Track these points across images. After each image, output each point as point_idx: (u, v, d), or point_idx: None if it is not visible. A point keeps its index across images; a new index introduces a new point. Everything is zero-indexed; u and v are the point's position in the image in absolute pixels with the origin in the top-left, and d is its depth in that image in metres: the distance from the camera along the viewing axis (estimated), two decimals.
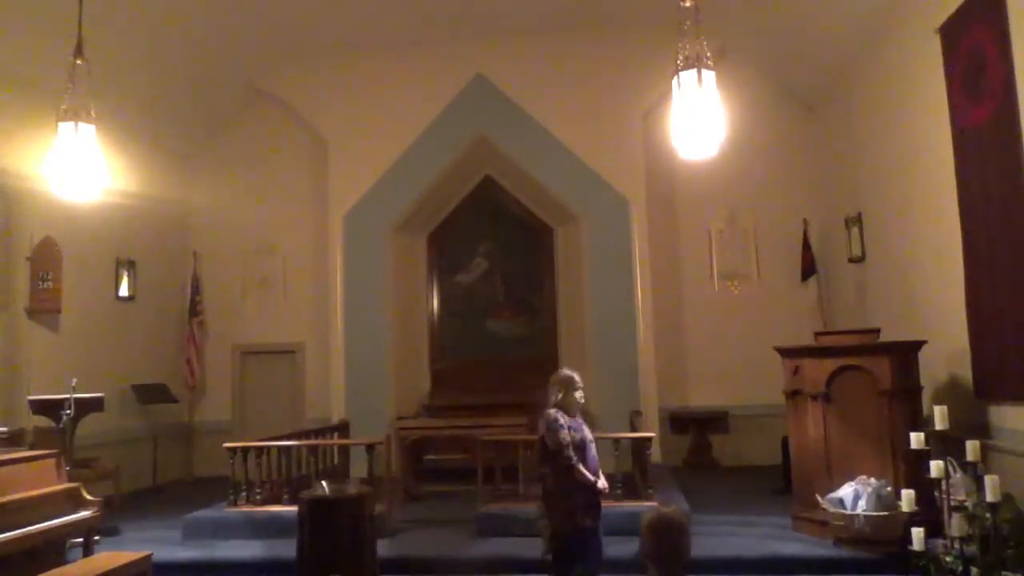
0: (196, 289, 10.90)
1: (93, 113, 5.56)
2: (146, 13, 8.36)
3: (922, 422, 5.83)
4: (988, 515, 4.58)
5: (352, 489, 5.46)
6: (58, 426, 6.80)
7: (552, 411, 4.67)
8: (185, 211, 11.16)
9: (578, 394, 4.77)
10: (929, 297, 7.00)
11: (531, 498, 6.74)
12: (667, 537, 2.88)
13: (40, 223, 8.29)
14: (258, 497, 7.07)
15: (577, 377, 4.81)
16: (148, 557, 5.27)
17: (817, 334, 7.01)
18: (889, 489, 5.58)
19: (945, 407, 5.16)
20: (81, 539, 5.45)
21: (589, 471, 4.54)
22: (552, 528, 4.52)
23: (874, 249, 8.46)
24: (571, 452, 4.49)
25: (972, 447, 4.89)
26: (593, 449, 4.73)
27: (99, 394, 7.48)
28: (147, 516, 7.85)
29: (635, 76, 9.83)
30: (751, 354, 9.27)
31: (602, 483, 4.60)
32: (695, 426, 9.97)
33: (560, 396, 4.72)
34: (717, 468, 9.72)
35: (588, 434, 4.75)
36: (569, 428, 4.60)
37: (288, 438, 7.87)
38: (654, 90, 9.59)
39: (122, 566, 5.00)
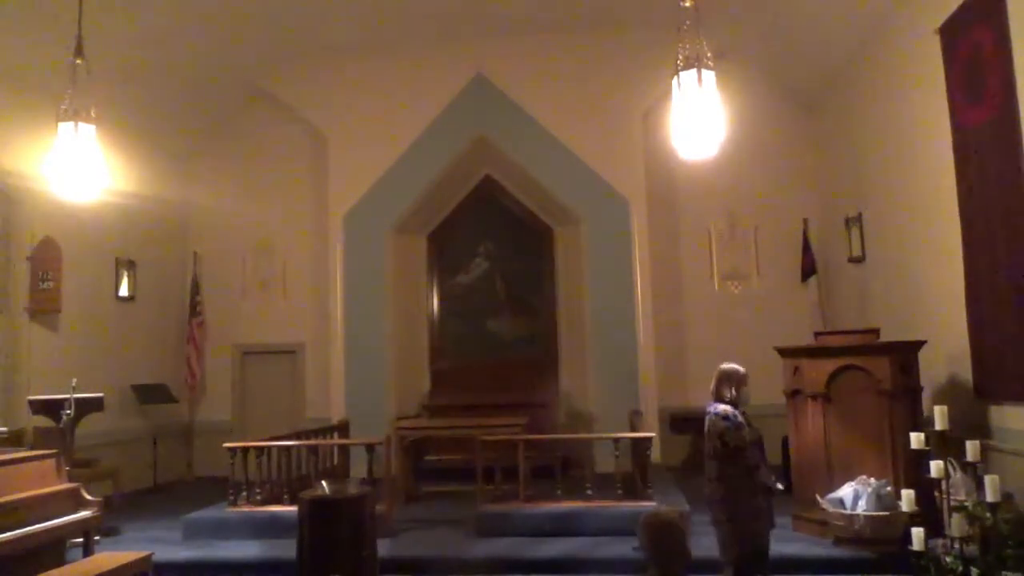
0: (196, 289, 10.91)
1: (93, 113, 5.56)
2: (146, 13, 8.36)
3: (922, 422, 5.83)
4: (988, 515, 4.58)
5: (352, 489, 5.46)
6: (58, 426, 6.80)
7: (727, 407, 4.48)
8: (185, 211, 11.16)
9: (746, 389, 4.59)
10: (929, 297, 7.00)
11: (532, 498, 6.79)
12: (662, 537, 2.88)
13: (40, 223, 8.29)
14: (258, 497, 7.07)
15: (744, 371, 4.63)
16: (148, 557, 5.28)
17: (817, 334, 7.01)
18: (889, 489, 5.58)
19: (945, 407, 5.16)
20: (81, 539, 5.45)
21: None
22: (738, 532, 4.31)
23: (874, 249, 8.46)
24: (755, 451, 4.34)
25: (972, 447, 4.89)
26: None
27: (99, 394, 7.48)
28: (147, 516, 7.85)
29: (635, 76, 9.82)
30: (751, 354, 9.20)
31: (780, 484, 4.45)
32: (695, 426, 9.91)
33: (734, 392, 4.55)
34: None
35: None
36: (749, 426, 4.44)
37: (288, 438, 7.87)
38: (654, 90, 9.59)
39: (122, 566, 5.00)
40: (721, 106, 4.79)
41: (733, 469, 4.36)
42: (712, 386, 4.66)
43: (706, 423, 4.54)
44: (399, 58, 10.32)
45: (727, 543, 4.36)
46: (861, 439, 5.98)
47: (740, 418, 4.42)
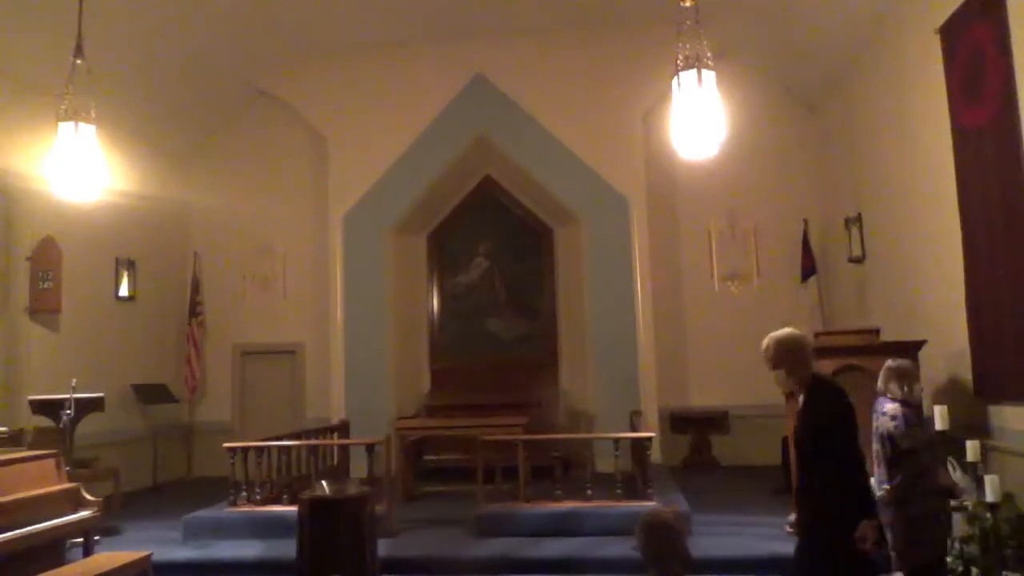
0: (196, 289, 10.91)
1: (93, 113, 5.56)
2: (146, 13, 8.36)
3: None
4: (988, 515, 4.59)
5: (352, 489, 5.46)
6: (58, 426, 6.80)
7: (895, 406, 4.27)
8: (185, 211, 11.16)
9: (918, 386, 4.39)
10: (929, 297, 6.99)
11: (532, 498, 6.79)
12: (659, 538, 2.88)
13: (40, 223, 8.29)
14: (258, 497, 7.07)
15: (915, 366, 4.40)
16: (148, 557, 5.28)
17: (817, 334, 7.01)
18: None
19: (945, 407, 5.16)
20: (81, 539, 5.45)
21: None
22: (910, 538, 4.16)
23: (874, 249, 8.46)
24: (929, 453, 4.18)
25: (972, 447, 4.89)
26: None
27: (99, 394, 7.48)
28: (147, 516, 7.85)
29: (635, 76, 9.83)
30: (751, 354, 9.18)
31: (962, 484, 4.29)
32: (695, 426, 9.97)
33: (907, 389, 4.32)
34: (717, 468, 9.72)
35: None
36: (920, 424, 4.26)
37: (288, 438, 7.87)
38: (654, 90, 9.59)
39: (122, 566, 5.01)
40: (721, 106, 4.79)
41: (904, 471, 4.17)
42: (879, 384, 4.46)
43: (873, 423, 4.36)
44: (399, 58, 10.32)
45: (899, 550, 4.20)
46: (861, 439, 5.96)
47: (912, 418, 4.23)
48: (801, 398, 3.52)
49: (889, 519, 4.24)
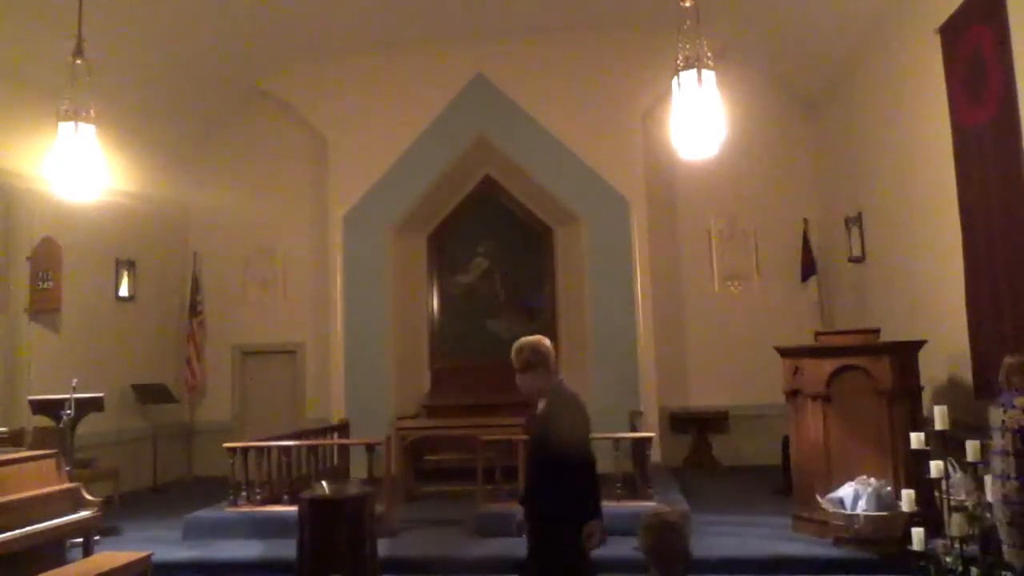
0: (196, 289, 10.91)
1: (93, 113, 5.56)
2: (146, 13, 8.36)
3: (922, 422, 5.83)
4: (988, 515, 4.59)
5: (352, 489, 5.46)
6: (58, 426, 6.80)
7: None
8: (185, 211, 11.16)
9: None
10: (929, 297, 7.00)
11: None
12: (663, 538, 2.88)
13: (40, 223, 8.29)
14: (258, 497, 7.07)
15: None
16: (148, 557, 5.28)
17: (817, 334, 7.01)
18: (889, 489, 5.58)
19: (945, 407, 5.15)
20: (81, 539, 5.45)
21: None
22: None
23: (874, 249, 8.47)
24: None
25: (972, 447, 4.88)
26: None
27: (99, 394, 7.47)
28: (147, 516, 7.85)
29: (635, 76, 9.82)
30: (751, 354, 9.27)
31: None
32: (695, 426, 9.97)
33: None
34: (717, 468, 9.72)
35: None
36: None
37: (288, 438, 7.87)
38: (654, 90, 9.58)
39: (122, 566, 5.00)
40: (721, 106, 4.80)
41: None
42: (1000, 379, 4.46)
43: (999, 416, 4.32)
44: (399, 58, 10.31)
45: (1016, 548, 4.15)
46: (861, 439, 5.98)
47: None
48: (541, 403, 3.71)
49: (1013, 517, 4.19)
